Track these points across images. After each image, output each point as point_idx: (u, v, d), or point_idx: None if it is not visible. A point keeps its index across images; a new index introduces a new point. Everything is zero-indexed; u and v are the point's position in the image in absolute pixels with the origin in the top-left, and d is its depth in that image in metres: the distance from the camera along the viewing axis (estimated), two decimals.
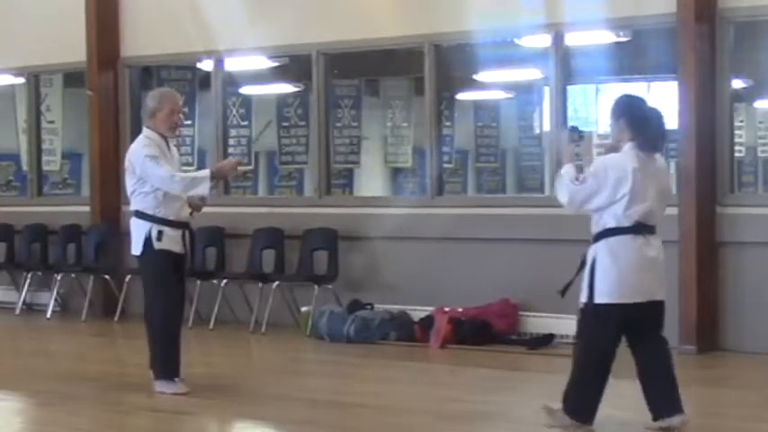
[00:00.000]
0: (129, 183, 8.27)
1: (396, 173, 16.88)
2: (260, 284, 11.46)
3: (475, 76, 14.99)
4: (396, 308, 10.93)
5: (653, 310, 6.69)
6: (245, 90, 13.93)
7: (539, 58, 11.58)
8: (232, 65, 12.70)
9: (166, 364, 8.14)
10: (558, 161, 10.76)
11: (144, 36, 13.01)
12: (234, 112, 13.78)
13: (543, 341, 10.27)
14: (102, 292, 12.91)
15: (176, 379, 8.15)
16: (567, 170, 6.67)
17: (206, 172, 8.20)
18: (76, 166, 16.34)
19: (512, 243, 10.70)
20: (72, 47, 13.17)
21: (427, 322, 10.55)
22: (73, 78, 14.11)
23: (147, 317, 8.25)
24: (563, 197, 6.69)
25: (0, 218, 14.07)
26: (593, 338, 6.63)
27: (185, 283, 8.57)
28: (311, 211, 11.98)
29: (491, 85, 16.03)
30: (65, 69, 13.95)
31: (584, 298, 6.62)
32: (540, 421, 6.84)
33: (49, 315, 12.81)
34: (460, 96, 16.61)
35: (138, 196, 8.19)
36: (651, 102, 6.89)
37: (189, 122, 13.38)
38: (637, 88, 15.76)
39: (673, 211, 9.83)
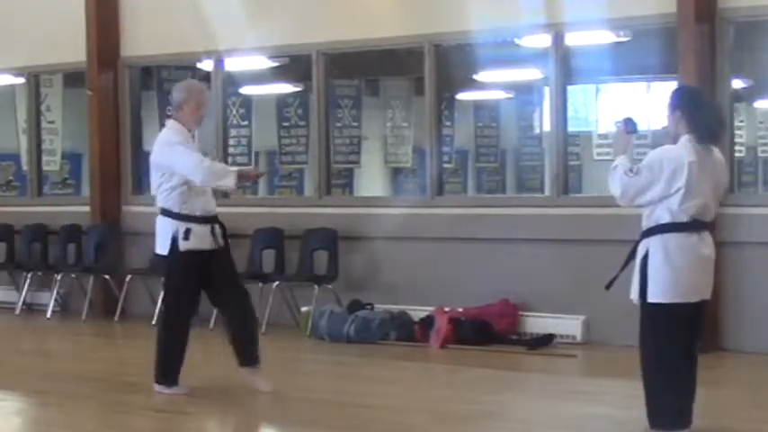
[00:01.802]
0: (155, 178, 8.09)
1: (396, 173, 16.90)
2: (260, 284, 11.45)
3: (475, 76, 15.00)
4: (396, 308, 10.93)
5: (701, 311, 6.52)
6: (245, 90, 13.94)
7: (539, 58, 11.57)
8: (232, 65, 12.70)
9: (167, 371, 8.07)
10: (556, 161, 10.82)
11: (144, 36, 13.02)
12: (234, 112, 13.80)
13: (543, 341, 10.26)
14: (102, 292, 12.90)
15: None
16: (622, 162, 6.42)
17: (233, 168, 8.09)
18: (76, 166, 16.35)
19: (512, 243, 10.70)
20: (72, 47, 13.17)
21: (427, 322, 10.55)
22: (73, 78, 14.11)
23: (161, 318, 8.20)
24: (616, 189, 6.41)
25: (0, 218, 14.07)
26: (658, 341, 6.41)
27: (235, 278, 8.30)
28: (311, 211, 11.98)
29: (491, 85, 16.04)
30: (65, 69, 13.95)
31: (634, 295, 6.44)
32: None
33: (49, 315, 12.81)
34: (460, 96, 16.62)
35: (163, 193, 8.01)
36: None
37: None
38: (637, 88, 15.79)
39: None
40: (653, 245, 6.37)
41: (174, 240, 7.92)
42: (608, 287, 6.67)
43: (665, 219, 6.33)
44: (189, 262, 7.96)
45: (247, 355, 8.16)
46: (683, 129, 6.40)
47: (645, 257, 6.38)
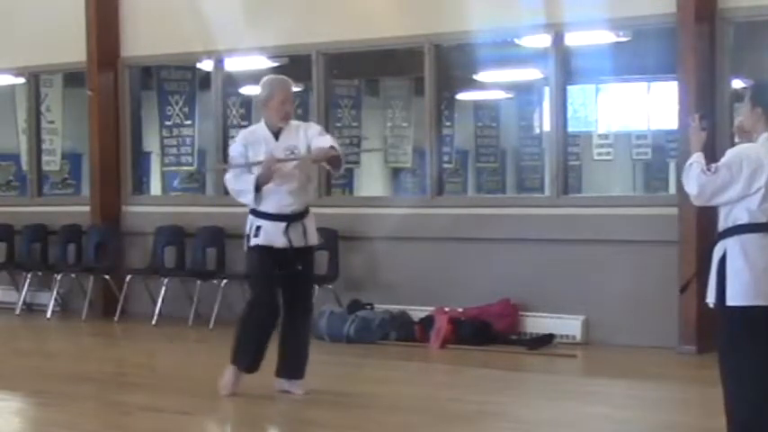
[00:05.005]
0: None
1: (396, 173, 16.90)
2: None
3: (475, 76, 15.00)
4: (396, 308, 10.93)
5: None
6: (245, 90, 13.94)
7: (539, 58, 11.57)
8: (232, 65, 12.70)
9: (236, 351, 8.02)
10: (556, 161, 10.82)
11: (144, 36, 13.02)
12: (234, 112, 13.79)
13: (543, 341, 10.26)
14: (102, 292, 12.90)
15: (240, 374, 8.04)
16: (698, 159, 6.12)
17: (250, 186, 7.84)
18: (76, 166, 16.35)
19: (511, 243, 10.70)
20: (72, 47, 13.17)
21: (427, 322, 10.55)
22: (73, 78, 14.12)
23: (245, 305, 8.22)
24: (692, 188, 6.10)
25: (0, 218, 14.07)
26: (737, 347, 6.11)
27: (300, 285, 8.07)
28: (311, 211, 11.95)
29: (491, 85, 16.04)
30: (65, 69, 13.95)
31: (711, 298, 6.13)
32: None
33: (49, 315, 12.81)
34: (460, 96, 16.62)
35: None
36: None
37: (189, 122, 13.40)
38: (637, 88, 15.80)
39: (673, 211, 9.84)
40: (730, 246, 6.09)
41: (248, 236, 7.95)
42: (682, 291, 6.41)
43: (744, 219, 6.07)
44: (258, 255, 7.93)
45: (283, 366, 8.08)
46: (761, 126, 6.10)
47: (722, 259, 6.11)
